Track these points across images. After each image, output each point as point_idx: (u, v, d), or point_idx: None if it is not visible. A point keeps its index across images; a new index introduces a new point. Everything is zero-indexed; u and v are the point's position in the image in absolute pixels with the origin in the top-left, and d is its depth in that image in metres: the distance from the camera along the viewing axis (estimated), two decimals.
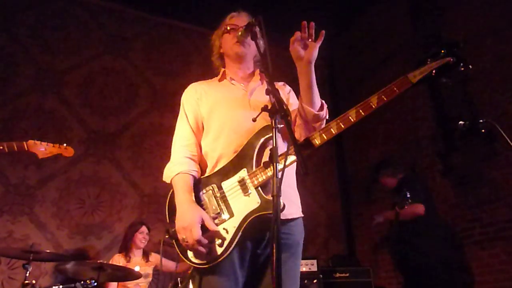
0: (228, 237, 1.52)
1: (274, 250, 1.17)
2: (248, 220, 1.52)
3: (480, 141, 4.02)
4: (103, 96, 5.00)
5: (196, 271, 1.59)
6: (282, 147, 1.67)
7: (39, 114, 4.56)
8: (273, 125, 1.36)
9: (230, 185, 1.60)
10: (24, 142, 2.53)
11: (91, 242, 4.33)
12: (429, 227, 3.76)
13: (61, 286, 3.10)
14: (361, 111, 1.67)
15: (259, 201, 1.53)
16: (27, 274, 3.03)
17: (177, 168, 1.65)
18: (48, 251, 3.61)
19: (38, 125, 4.50)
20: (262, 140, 1.61)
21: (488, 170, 4.04)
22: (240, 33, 1.79)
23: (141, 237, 3.89)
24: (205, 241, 1.48)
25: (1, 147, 2.45)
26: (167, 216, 1.67)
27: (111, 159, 4.75)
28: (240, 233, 1.51)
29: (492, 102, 4.14)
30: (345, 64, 6.64)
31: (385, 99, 1.70)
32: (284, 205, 1.41)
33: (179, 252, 1.57)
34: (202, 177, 1.69)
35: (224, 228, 1.54)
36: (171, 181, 1.66)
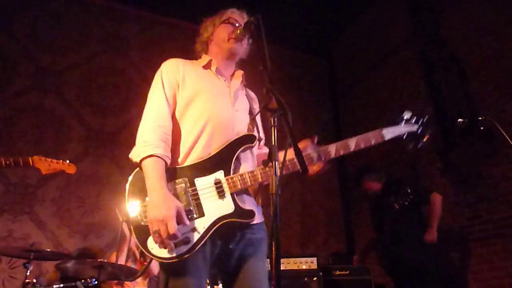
0: (196, 236, 1.49)
1: (274, 249, 1.18)
2: (219, 224, 1.52)
3: (479, 139, 4.03)
4: (103, 95, 5.00)
5: (161, 268, 1.55)
6: (251, 162, 1.72)
7: (38, 113, 4.56)
8: (272, 123, 1.36)
9: (204, 184, 1.57)
10: (30, 158, 2.63)
11: (92, 241, 4.34)
12: (426, 226, 3.76)
13: (61, 285, 3.10)
14: (341, 150, 1.69)
15: (233, 207, 1.54)
16: (28, 273, 3.04)
17: (152, 150, 1.53)
18: (48, 250, 3.62)
19: (38, 124, 4.51)
20: (243, 147, 1.64)
21: (487, 168, 4.05)
22: (239, 30, 1.79)
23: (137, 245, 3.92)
24: (179, 236, 1.42)
25: (8, 162, 2.54)
26: (126, 197, 1.54)
27: (111, 157, 4.76)
28: (209, 234, 1.51)
29: (491, 100, 4.14)
30: (344, 62, 6.64)
31: (362, 145, 1.73)
32: (254, 212, 1.55)
33: (137, 242, 1.48)
34: (173, 166, 1.60)
35: (193, 228, 1.51)
36: (140, 161, 1.53)
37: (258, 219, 1.65)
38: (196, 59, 1.94)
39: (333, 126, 6.55)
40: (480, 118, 3.14)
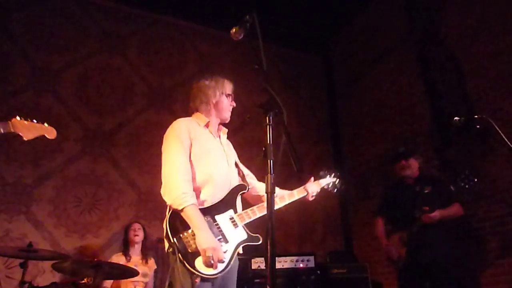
0: (228, 257, 1.98)
1: (269, 247, 1.18)
2: (240, 246, 2.07)
3: (476, 137, 4.04)
4: (99, 94, 4.99)
5: (201, 279, 1.92)
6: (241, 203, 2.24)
7: (35, 112, 4.54)
8: (268, 122, 1.36)
9: (222, 219, 2.07)
10: (9, 122, 2.39)
11: (89, 241, 4.33)
12: (449, 229, 3.58)
13: (58, 285, 3.10)
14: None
15: (247, 235, 2.10)
16: (24, 273, 3.03)
17: (191, 200, 1.95)
18: (45, 249, 3.61)
19: None
20: (240, 193, 2.21)
21: (483, 166, 4.06)
22: (234, 29, 1.79)
23: (133, 233, 3.99)
24: (224, 258, 1.94)
25: None
26: (169, 233, 1.93)
27: (107, 157, 4.75)
28: (235, 255, 2.03)
29: (487, 98, 4.16)
30: (342, 61, 6.65)
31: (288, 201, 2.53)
32: (259, 237, 2.11)
33: (185, 263, 1.87)
34: (200, 207, 2.01)
35: (223, 251, 1.98)
36: (182, 208, 1.93)
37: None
38: (189, 113, 2.36)
39: (330, 125, 6.55)
40: (476, 117, 3.16)
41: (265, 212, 1.92)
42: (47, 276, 3.93)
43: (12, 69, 4.58)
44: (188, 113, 2.40)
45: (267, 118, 1.38)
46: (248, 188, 2.25)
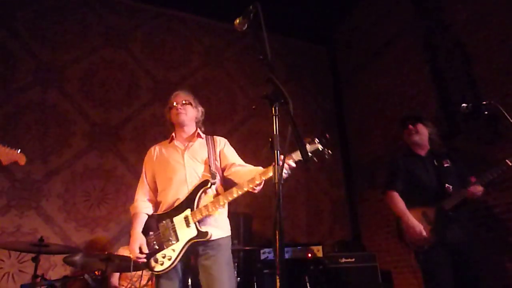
0: (174, 255, 2.26)
1: (278, 237, 1.19)
2: (188, 244, 2.27)
3: (484, 124, 4.00)
4: (105, 89, 5.00)
5: (155, 276, 2.33)
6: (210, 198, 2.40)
7: (42, 108, 4.58)
8: (274, 112, 1.36)
9: (178, 220, 2.33)
10: None
11: (98, 234, 4.38)
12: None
13: (70, 278, 3.14)
14: (250, 185, 2.25)
15: (196, 232, 2.28)
16: (37, 267, 3.08)
17: (133, 211, 2.50)
18: (56, 243, 3.66)
19: (41, 120, 4.53)
20: (201, 190, 2.36)
21: (491, 153, 4.02)
22: (238, 20, 1.77)
23: None
24: (141, 256, 2.29)
25: None
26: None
27: (115, 151, 4.78)
28: (182, 252, 2.26)
29: (495, 84, 4.10)
30: (347, 49, 6.59)
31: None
32: (211, 235, 2.26)
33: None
34: (160, 213, 2.42)
35: (172, 249, 2.28)
36: (132, 215, 2.49)
37: (217, 236, 2.34)
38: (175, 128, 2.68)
39: (335, 115, 6.53)
40: (484, 103, 3.11)
41: (219, 207, 2.30)
42: (58, 270, 4.00)
43: (18, 66, 4.61)
44: None
45: (273, 109, 1.38)
46: (211, 184, 2.38)
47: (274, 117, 1.36)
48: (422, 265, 3.09)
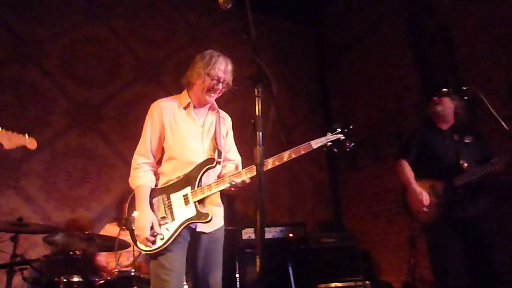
0: (168, 234, 2.08)
1: (258, 217, 1.20)
2: (185, 224, 2.09)
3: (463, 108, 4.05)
4: (86, 67, 4.88)
5: (148, 255, 2.14)
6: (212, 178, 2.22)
7: (19, 85, 4.45)
8: (256, 94, 1.35)
9: (176, 197, 2.15)
10: None
11: (80, 214, 4.35)
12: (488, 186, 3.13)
13: (50, 257, 3.12)
14: (276, 162, 2.15)
15: (195, 212, 2.10)
16: (16, 247, 3.04)
17: (139, 181, 2.18)
18: (36, 223, 3.61)
19: (19, 97, 4.40)
20: (205, 168, 2.16)
21: None
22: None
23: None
24: (152, 239, 2.04)
25: None
26: (127, 211, 2.21)
27: (96, 130, 4.70)
28: (177, 232, 2.08)
29: (478, 69, 4.15)
30: (333, 32, 6.56)
31: (293, 155, 2.14)
32: (211, 218, 2.09)
33: (133, 240, 2.13)
34: (157, 187, 2.21)
35: (166, 228, 2.10)
36: (134, 189, 2.20)
37: (216, 222, 2.23)
38: (180, 90, 2.37)
39: (321, 96, 6.54)
40: (464, 88, 3.16)
41: (222, 188, 2.11)
42: (39, 249, 3.96)
43: None
44: (179, 88, 2.40)
45: (256, 90, 1.37)
46: (216, 163, 2.18)
47: (256, 98, 1.36)
48: (427, 239, 3.07)
